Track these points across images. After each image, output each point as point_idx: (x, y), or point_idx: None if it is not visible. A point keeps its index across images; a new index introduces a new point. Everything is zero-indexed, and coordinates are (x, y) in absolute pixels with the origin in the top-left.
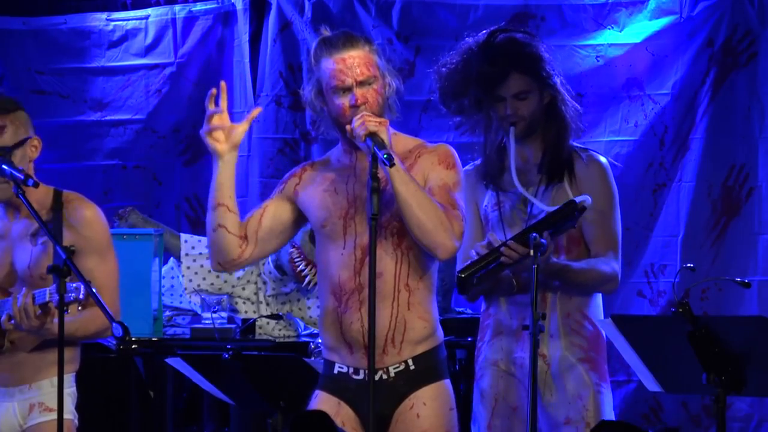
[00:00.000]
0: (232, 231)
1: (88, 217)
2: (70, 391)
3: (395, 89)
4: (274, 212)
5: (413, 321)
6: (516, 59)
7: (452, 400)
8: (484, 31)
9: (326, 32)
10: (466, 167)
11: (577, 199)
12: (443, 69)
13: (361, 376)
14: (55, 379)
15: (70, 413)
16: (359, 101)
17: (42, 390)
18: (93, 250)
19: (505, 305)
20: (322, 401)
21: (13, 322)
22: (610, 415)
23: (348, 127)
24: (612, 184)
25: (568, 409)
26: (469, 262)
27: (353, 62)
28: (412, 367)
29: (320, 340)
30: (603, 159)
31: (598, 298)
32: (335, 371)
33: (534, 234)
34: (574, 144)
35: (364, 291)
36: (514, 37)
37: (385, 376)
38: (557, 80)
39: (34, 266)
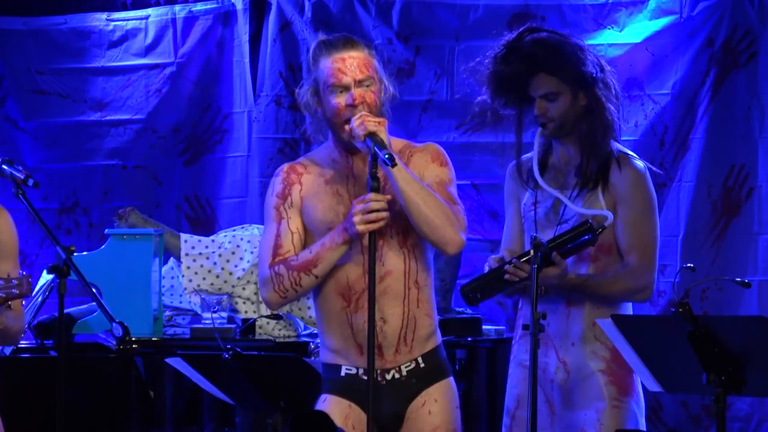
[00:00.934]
0: None
1: (2, 223)
2: None
3: (392, 95)
4: (302, 228)
5: (422, 318)
6: (540, 60)
7: (457, 398)
8: (514, 31)
9: (322, 36)
10: (512, 163)
11: (594, 213)
12: (480, 69)
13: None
14: None
15: None
16: (356, 101)
17: None
18: (7, 255)
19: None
20: (332, 404)
21: None
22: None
23: (347, 126)
24: (648, 190)
25: (585, 421)
26: (474, 276)
27: (353, 62)
28: (422, 365)
29: (317, 340)
30: (640, 164)
31: (629, 308)
32: (342, 374)
33: (534, 234)
34: (618, 147)
35: (375, 290)
36: (541, 38)
37: (397, 375)
38: (598, 79)
39: None
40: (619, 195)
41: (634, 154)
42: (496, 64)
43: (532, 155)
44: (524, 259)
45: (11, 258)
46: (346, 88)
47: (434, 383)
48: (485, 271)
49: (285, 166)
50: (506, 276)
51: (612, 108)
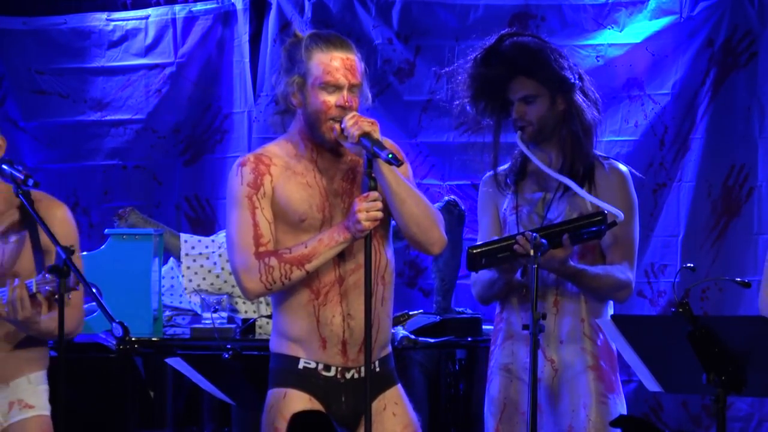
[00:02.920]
0: None
1: (59, 217)
2: (45, 387)
3: (369, 102)
4: (272, 219)
5: (384, 320)
6: (520, 63)
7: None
8: (494, 35)
9: (299, 34)
10: (488, 173)
11: (610, 209)
12: (455, 73)
13: (332, 373)
14: (32, 376)
15: (46, 408)
16: (347, 104)
17: (19, 387)
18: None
19: (518, 310)
20: (295, 400)
21: (6, 310)
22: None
23: (338, 126)
24: (632, 193)
25: (572, 418)
26: (483, 242)
27: (351, 64)
28: (377, 370)
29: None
30: (624, 168)
31: (611, 307)
32: (300, 366)
33: (534, 234)
34: (596, 152)
35: (345, 283)
36: (521, 42)
37: (356, 375)
38: (576, 86)
39: (7, 264)
40: (604, 195)
41: (615, 159)
42: (477, 66)
43: (507, 166)
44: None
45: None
46: (338, 88)
47: (387, 389)
48: (495, 238)
49: (250, 156)
50: (515, 246)
51: (594, 113)
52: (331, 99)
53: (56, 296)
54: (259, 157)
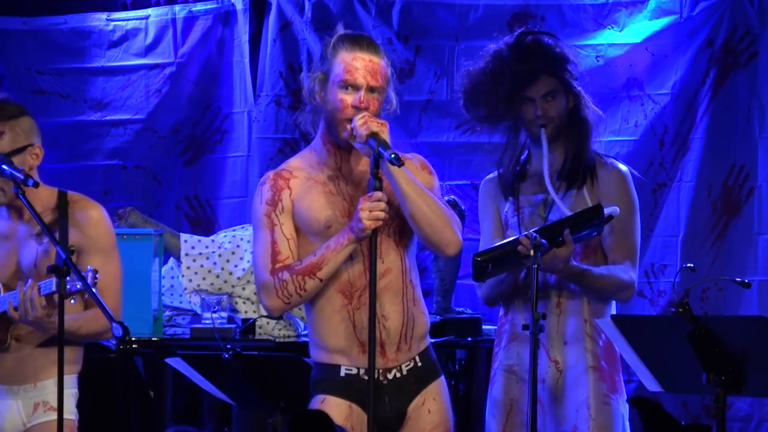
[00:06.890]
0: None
1: (94, 218)
2: (73, 391)
3: (393, 108)
4: (295, 233)
5: (419, 317)
6: (545, 60)
7: (449, 397)
8: (509, 35)
9: (344, 30)
10: (489, 176)
11: (606, 210)
12: (470, 72)
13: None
14: None
15: (71, 413)
16: (363, 104)
17: (46, 389)
18: (97, 251)
19: (522, 311)
20: (331, 405)
21: (18, 312)
22: (622, 429)
23: (348, 126)
24: (632, 192)
25: (576, 418)
26: (487, 248)
27: (372, 66)
28: (419, 364)
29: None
30: (624, 167)
31: (613, 308)
32: (342, 374)
33: (534, 234)
34: (597, 151)
35: (376, 287)
36: (542, 39)
37: (398, 375)
38: (578, 85)
39: (40, 264)
40: (605, 194)
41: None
42: (505, 64)
43: (508, 166)
44: (540, 233)
45: (99, 253)
46: (356, 88)
47: (430, 383)
48: (498, 243)
49: (270, 174)
50: (519, 248)
51: (594, 110)
52: (348, 98)
53: (73, 297)
54: (279, 173)
